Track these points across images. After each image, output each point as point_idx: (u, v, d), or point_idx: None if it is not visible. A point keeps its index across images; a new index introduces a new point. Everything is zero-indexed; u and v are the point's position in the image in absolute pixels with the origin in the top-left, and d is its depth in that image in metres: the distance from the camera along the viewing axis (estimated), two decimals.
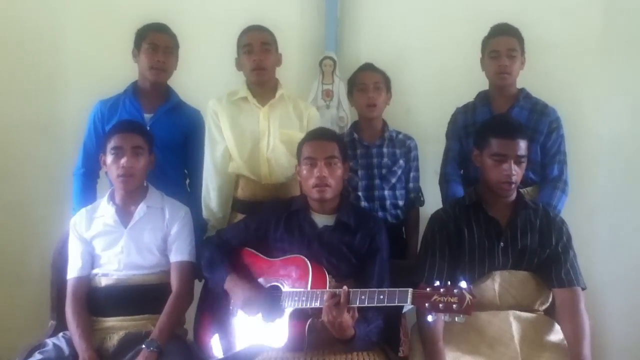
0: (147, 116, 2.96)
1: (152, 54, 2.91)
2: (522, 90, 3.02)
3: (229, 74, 3.49)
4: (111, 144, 2.59)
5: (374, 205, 2.96)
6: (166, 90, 3.05)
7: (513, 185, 2.40)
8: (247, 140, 2.91)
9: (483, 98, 3.05)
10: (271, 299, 2.39)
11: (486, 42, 2.99)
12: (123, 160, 2.55)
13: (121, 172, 2.56)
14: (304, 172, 2.49)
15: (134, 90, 3.01)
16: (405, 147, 3.02)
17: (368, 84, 2.96)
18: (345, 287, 2.18)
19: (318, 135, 2.56)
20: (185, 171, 3.11)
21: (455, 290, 1.98)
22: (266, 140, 2.91)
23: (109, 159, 2.59)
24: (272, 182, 2.91)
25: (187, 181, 3.13)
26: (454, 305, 1.97)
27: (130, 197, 2.65)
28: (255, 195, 2.91)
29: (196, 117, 3.09)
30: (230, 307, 2.53)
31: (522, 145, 2.39)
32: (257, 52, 2.86)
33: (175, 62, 3.01)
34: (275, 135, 2.89)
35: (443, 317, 2.01)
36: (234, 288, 2.47)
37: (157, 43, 2.92)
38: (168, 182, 2.88)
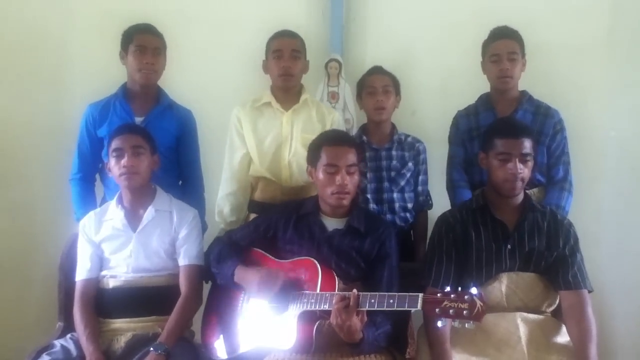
0: (138, 120, 2.93)
1: (140, 55, 2.89)
2: (524, 92, 3.03)
3: (233, 75, 3.54)
4: (112, 147, 2.60)
5: (382, 208, 2.97)
6: (156, 91, 3.02)
7: (519, 184, 2.40)
8: (270, 144, 2.93)
9: (485, 101, 3.05)
10: (285, 283, 2.39)
11: (486, 46, 3.00)
12: (124, 160, 2.56)
13: (123, 170, 2.57)
14: (322, 177, 2.47)
15: (124, 93, 2.98)
16: (414, 150, 3.03)
17: (377, 87, 2.96)
18: (354, 290, 2.18)
19: (339, 141, 2.52)
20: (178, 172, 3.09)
21: (466, 297, 1.98)
22: (288, 144, 2.92)
23: (112, 161, 2.60)
24: (291, 184, 2.93)
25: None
26: (465, 312, 1.96)
27: (139, 200, 2.66)
28: (275, 198, 2.92)
29: (188, 118, 3.08)
30: (241, 299, 2.54)
31: (527, 144, 2.40)
32: (287, 58, 2.88)
33: (164, 62, 2.98)
34: (298, 139, 2.90)
35: (453, 323, 2.01)
36: (246, 275, 2.46)
37: (145, 44, 2.90)
38: (161, 185, 2.83)
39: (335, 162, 2.45)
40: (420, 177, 3.04)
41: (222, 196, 2.99)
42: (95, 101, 3.01)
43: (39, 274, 3.43)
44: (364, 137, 3.03)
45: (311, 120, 2.97)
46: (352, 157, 2.47)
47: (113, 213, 2.67)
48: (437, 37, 3.56)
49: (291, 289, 2.38)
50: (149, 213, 2.64)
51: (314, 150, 2.54)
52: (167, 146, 2.96)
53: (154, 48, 2.91)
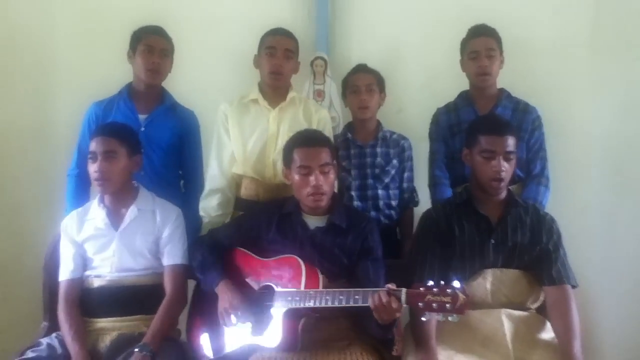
0: (142, 117, 2.97)
1: (148, 56, 2.92)
2: (502, 90, 3.06)
3: (221, 75, 3.52)
4: (89, 148, 2.59)
5: (367, 204, 2.97)
6: (161, 92, 3.05)
7: (503, 183, 2.41)
8: (255, 142, 2.91)
9: (465, 98, 3.08)
10: (259, 309, 2.39)
11: (465, 44, 3.04)
12: (95, 165, 2.55)
13: (95, 176, 2.56)
14: (297, 178, 2.47)
15: (129, 92, 3.01)
16: (399, 147, 3.03)
17: (360, 86, 2.97)
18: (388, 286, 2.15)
19: (310, 141, 2.51)
20: (180, 172, 3.11)
21: (448, 290, 1.98)
22: (274, 142, 2.91)
23: (89, 163, 2.59)
24: (275, 182, 2.91)
25: (182, 182, 3.14)
26: (447, 305, 1.97)
27: (120, 199, 2.64)
28: (258, 195, 2.91)
29: (190, 118, 3.10)
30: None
31: (511, 142, 2.41)
32: (279, 57, 2.87)
33: (170, 65, 3.02)
34: (284, 138, 2.86)
35: (436, 317, 2.02)
36: (223, 294, 2.45)
37: (153, 45, 2.93)
38: (162, 183, 2.90)
39: (308, 164, 2.44)
40: (406, 174, 3.05)
41: (209, 192, 2.96)
42: (99, 100, 3.04)
43: (24, 275, 3.40)
44: (349, 135, 3.03)
45: (297, 118, 2.95)
46: (325, 156, 2.47)
47: (95, 212, 2.65)
48: (422, 35, 3.56)
49: (266, 315, 2.36)
50: (131, 212, 2.62)
51: (287, 152, 2.53)
52: (169, 144, 3.00)
53: (161, 49, 2.95)
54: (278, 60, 2.87)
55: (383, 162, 3.00)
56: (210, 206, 2.95)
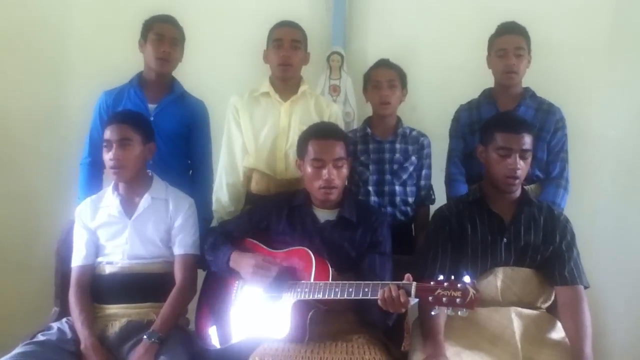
0: (151, 106, 2.98)
1: (158, 44, 2.93)
2: (527, 89, 3.03)
3: (235, 67, 3.53)
4: (104, 137, 2.61)
5: (383, 200, 2.96)
6: (171, 81, 3.06)
7: (517, 181, 2.40)
8: (266, 135, 2.91)
9: (488, 96, 3.05)
10: (281, 270, 2.39)
11: (493, 41, 3.00)
12: (110, 153, 2.56)
13: (110, 164, 2.57)
14: (309, 171, 2.48)
15: (139, 81, 3.03)
16: (418, 144, 3.01)
17: (382, 81, 2.95)
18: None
19: (326, 134, 2.51)
20: (189, 162, 3.12)
21: (458, 285, 1.99)
22: (286, 135, 2.91)
23: (104, 151, 2.61)
24: (286, 177, 2.91)
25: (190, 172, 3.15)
26: (458, 300, 1.97)
27: (134, 187, 2.65)
28: (269, 190, 2.91)
29: (200, 108, 3.11)
30: (235, 288, 2.53)
31: (527, 140, 2.39)
32: (287, 48, 2.87)
33: (180, 54, 3.03)
34: (295, 131, 2.86)
35: (446, 311, 2.02)
36: (242, 260, 2.45)
37: (163, 34, 2.94)
38: (171, 173, 2.89)
39: (322, 157, 2.45)
40: (424, 172, 3.03)
41: (222, 186, 2.97)
42: (110, 89, 3.05)
43: (36, 261, 3.42)
44: (369, 130, 3.02)
45: (309, 111, 2.96)
46: (339, 150, 2.47)
47: (109, 200, 2.66)
48: (439, 32, 3.56)
49: (286, 276, 2.37)
50: (144, 201, 2.63)
51: (302, 143, 2.54)
52: (178, 134, 3.01)
53: (171, 38, 2.96)
54: (286, 51, 2.87)
55: (401, 159, 2.98)
56: (224, 201, 2.96)
